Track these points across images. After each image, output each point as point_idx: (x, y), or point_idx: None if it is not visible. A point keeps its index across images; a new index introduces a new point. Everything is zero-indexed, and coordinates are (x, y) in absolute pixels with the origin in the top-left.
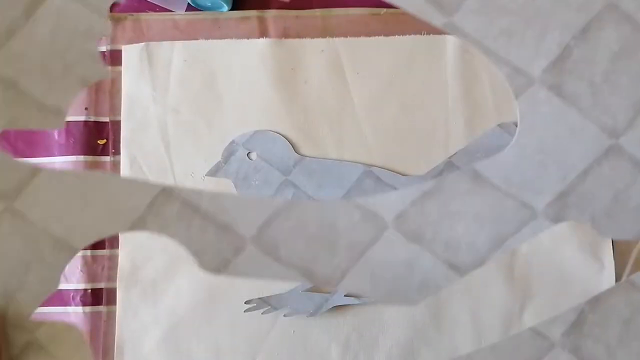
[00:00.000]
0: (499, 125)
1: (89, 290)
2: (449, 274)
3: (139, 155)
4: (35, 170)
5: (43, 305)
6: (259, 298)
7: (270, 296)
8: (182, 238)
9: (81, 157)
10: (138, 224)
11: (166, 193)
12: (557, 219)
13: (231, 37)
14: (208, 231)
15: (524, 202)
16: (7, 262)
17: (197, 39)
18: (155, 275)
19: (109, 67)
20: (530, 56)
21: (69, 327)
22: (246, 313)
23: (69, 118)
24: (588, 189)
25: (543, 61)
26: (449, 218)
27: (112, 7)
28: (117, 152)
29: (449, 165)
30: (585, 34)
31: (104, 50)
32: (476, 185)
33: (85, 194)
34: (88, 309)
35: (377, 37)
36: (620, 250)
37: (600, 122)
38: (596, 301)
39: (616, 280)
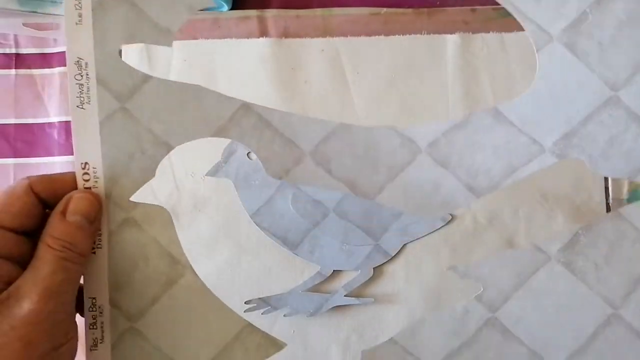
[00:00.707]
0: None
1: None
2: (467, 195)
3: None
4: (146, 77)
5: None
6: (259, 298)
7: (270, 296)
8: (254, 146)
9: None
10: (221, 131)
11: (245, 107)
12: (561, 155)
13: (231, 37)
14: (275, 142)
15: (535, 139)
16: (116, 152)
17: (197, 39)
18: None
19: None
20: (552, 17)
21: (160, 209)
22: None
23: (68, 118)
24: (588, 132)
25: (563, 22)
26: (471, 148)
27: None
28: None
29: None
30: (600, 3)
31: None
32: (496, 122)
33: (184, 101)
34: None
35: (377, 36)
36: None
37: (604, 77)
38: (589, 226)
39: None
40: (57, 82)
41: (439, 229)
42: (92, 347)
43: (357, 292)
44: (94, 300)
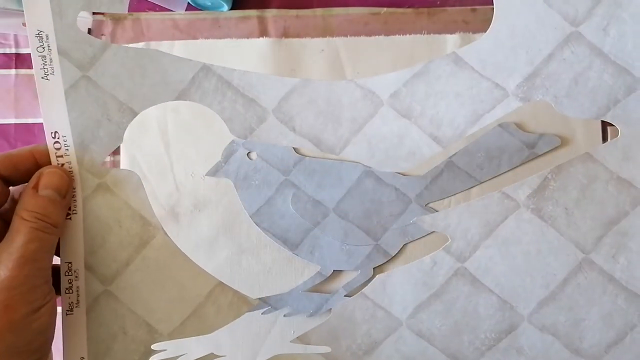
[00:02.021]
0: (499, 125)
1: None
2: (432, 145)
3: (138, 155)
4: (105, 45)
5: None
6: (259, 298)
7: (270, 296)
8: (217, 108)
9: None
10: (183, 95)
11: (205, 69)
12: (525, 98)
13: (231, 37)
14: (238, 102)
15: (497, 83)
16: (83, 120)
17: (197, 39)
18: None
19: None
20: None
21: (130, 173)
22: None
23: None
24: (552, 72)
25: None
26: (434, 96)
27: None
28: (116, 152)
29: (450, 164)
30: None
31: None
32: (457, 68)
33: (144, 66)
34: None
35: (377, 36)
36: None
37: (563, 12)
38: (558, 170)
39: None
40: None
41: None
42: (67, 311)
43: (357, 292)
44: (69, 265)
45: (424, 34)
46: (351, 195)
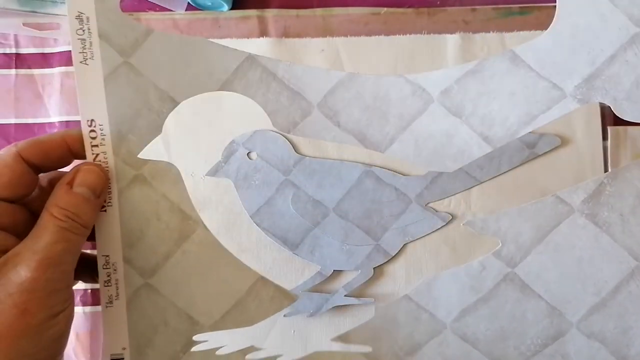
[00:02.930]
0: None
1: (89, 291)
2: (483, 145)
3: None
4: (149, 30)
5: None
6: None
7: None
8: (260, 99)
9: None
10: (226, 85)
11: (250, 59)
12: (583, 100)
13: (231, 37)
14: (282, 95)
15: (555, 83)
16: (122, 108)
17: None
18: None
19: None
20: None
21: (168, 165)
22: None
23: (68, 118)
24: (613, 73)
25: None
26: (487, 95)
27: None
28: None
29: None
30: None
31: None
32: (513, 66)
33: (187, 55)
34: (88, 308)
35: (377, 36)
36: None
37: (629, 12)
38: (615, 175)
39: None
40: (57, 82)
41: (439, 228)
42: (107, 303)
43: (357, 292)
44: (107, 258)
45: (424, 33)
46: (351, 195)
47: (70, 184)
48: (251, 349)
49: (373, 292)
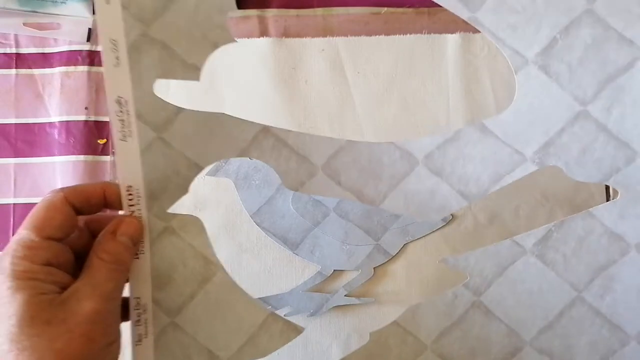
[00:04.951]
0: None
1: None
2: (460, 200)
3: None
4: (179, 109)
5: None
6: (259, 298)
7: (270, 296)
8: (273, 164)
9: (81, 157)
10: (244, 152)
11: (265, 130)
12: (540, 163)
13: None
14: (291, 159)
15: (517, 149)
16: (155, 175)
17: None
18: None
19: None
20: (527, 44)
21: (194, 218)
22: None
23: (69, 118)
24: (563, 142)
25: (536, 47)
26: (462, 159)
27: None
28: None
29: None
30: (568, 30)
31: None
32: (483, 135)
33: (211, 128)
34: None
35: (377, 36)
36: None
37: (574, 94)
38: (561, 223)
39: None
40: (57, 81)
41: (439, 228)
42: (137, 342)
43: (357, 292)
44: (138, 300)
45: (425, 33)
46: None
47: (114, 232)
48: None
49: (374, 292)
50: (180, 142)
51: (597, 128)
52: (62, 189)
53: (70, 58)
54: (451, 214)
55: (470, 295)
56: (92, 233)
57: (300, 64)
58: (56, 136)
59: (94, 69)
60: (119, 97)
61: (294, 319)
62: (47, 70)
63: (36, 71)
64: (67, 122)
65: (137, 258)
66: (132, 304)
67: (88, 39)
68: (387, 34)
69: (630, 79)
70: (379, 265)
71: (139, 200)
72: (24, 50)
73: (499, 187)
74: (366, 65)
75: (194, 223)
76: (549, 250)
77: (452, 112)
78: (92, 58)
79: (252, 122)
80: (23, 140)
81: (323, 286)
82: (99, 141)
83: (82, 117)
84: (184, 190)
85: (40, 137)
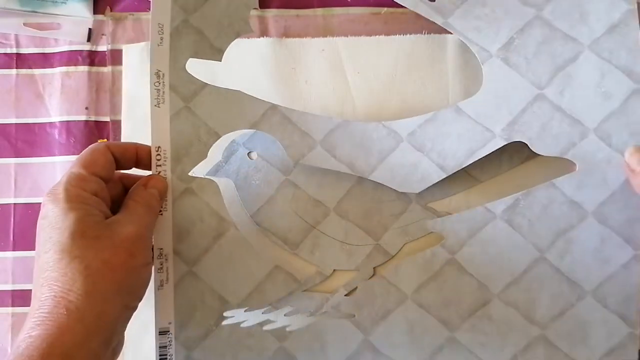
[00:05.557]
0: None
1: None
2: (439, 173)
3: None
4: (204, 84)
5: None
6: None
7: None
8: (279, 137)
9: None
10: (255, 125)
11: (273, 108)
12: (508, 139)
13: None
14: (295, 134)
15: (487, 127)
16: (180, 139)
17: None
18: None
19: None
20: (490, 42)
21: (210, 181)
22: (246, 312)
23: (69, 118)
24: (525, 121)
25: (498, 44)
26: (441, 136)
27: (113, 7)
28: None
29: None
30: (523, 31)
31: (106, 49)
32: (458, 116)
33: (229, 102)
34: None
35: (377, 36)
36: None
37: (531, 80)
38: (527, 193)
39: None
40: (57, 81)
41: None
42: (159, 287)
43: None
44: (161, 250)
45: (425, 33)
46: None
47: (146, 185)
48: (267, 322)
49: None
50: (203, 111)
51: (553, 108)
52: (105, 141)
53: (71, 58)
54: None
55: (446, 254)
56: (125, 187)
57: (300, 64)
58: (56, 136)
59: (95, 69)
60: (158, 70)
61: (296, 274)
62: (48, 70)
63: (36, 71)
64: (68, 122)
65: (161, 214)
66: (156, 253)
67: (88, 39)
68: (387, 34)
69: (576, 68)
70: (379, 265)
71: (165, 161)
72: (24, 50)
73: (472, 161)
74: (366, 65)
75: (210, 185)
76: (517, 216)
77: None
78: (93, 58)
79: (263, 100)
80: (23, 140)
81: (323, 286)
82: (99, 141)
83: (83, 117)
84: (203, 155)
85: (41, 137)
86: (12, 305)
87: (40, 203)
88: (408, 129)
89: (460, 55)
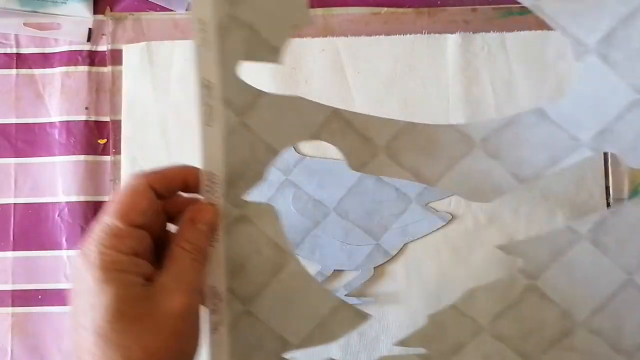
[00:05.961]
0: None
1: None
2: (512, 182)
3: (139, 155)
4: (260, 92)
5: None
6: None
7: None
8: (339, 144)
9: (82, 157)
10: (315, 135)
11: (335, 113)
12: (596, 149)
13: None
14: (356, 140)
15: (573, 135)
16: (235, 160)
17: None
18: None
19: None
20: (588, 31)
21: (268, 207)
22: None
23: (69, 118)
24: (619, 129)
25: (597, 35)
26: (519, 142)
27: (113, 7)
28: (117, 151)
29: None
30: (626, 21)
31: (106, 49)
32: (540, 120)
33: (287, 111)
34: None
35: (377, 36)
36: None
37: (630, 82)
38: (615, 211)
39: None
40: (58, 81)
41: (439, 228)
42: (213, 330)
43: (357, 292)
44: (214, 289)
45: (425, 33)
46: (352, 194)
47: (193, 221)
48: None
49: (373, 292)
50: (260, 125)
51: None
52: (144, 174)
53: (71, 58)
54: (450, 214)
55: (526, 280)
56: (168, 215)
57: (300, 64)
58: (56, 136)
59: (94, 69)
60: (207, 80)
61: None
62: (48, 70)
63: (36, 71)
64: (68, 122)
65: (212, 246)
66: (209, 293)
67: (88, 39)
68: (387, 34)
69: None
70: (379, 265)
71: (217, 186)
72: (24, 50)
73: (553, 171)
74: (366, 65)
75: (267, 211)
76: (603, 235)
77: (452, 112)
78: (93, 58)
79: (324, 105)
80: (23, 140)
81: (323, 286)
82: (99, 141)
83: (83, 117)
84: (259, 176)
85: (41, 137)
86: (12, 305)
87: (40, 203)
88: (482, 134)
89: (460, 56)
